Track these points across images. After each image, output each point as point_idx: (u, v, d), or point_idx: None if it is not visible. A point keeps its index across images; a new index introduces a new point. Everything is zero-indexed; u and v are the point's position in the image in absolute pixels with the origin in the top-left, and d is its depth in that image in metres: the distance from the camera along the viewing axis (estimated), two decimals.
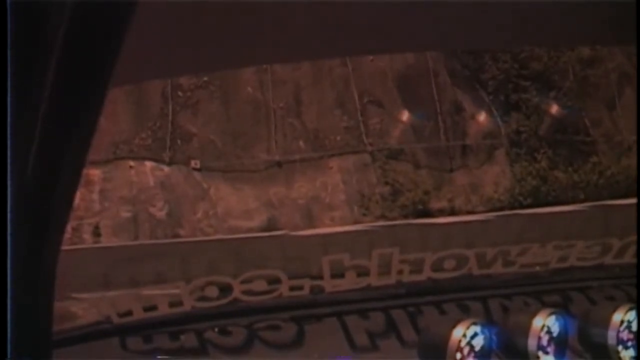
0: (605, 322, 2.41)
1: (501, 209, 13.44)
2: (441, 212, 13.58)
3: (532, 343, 2.34)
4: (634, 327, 2.53)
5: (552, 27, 1.67)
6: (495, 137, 14.92)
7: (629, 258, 2.58)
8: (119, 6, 1.00)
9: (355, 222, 12.51)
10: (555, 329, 2.47)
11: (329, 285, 2.03)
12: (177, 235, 12.01)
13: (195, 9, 1.30)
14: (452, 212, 13.69)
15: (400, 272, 2.18)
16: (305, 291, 2.02)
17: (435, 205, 13.94)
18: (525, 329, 2.30)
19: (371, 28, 1.53)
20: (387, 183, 13.66)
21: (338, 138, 13.78)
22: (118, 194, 12.25)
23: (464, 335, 2.21)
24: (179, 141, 12.89)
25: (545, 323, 2.42)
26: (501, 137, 14.91)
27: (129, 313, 1.82)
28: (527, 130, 14.90)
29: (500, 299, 2.39)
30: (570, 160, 15.02)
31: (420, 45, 2.67)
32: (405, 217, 13.07)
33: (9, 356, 1.03)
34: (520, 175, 14.63)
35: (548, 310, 2.41)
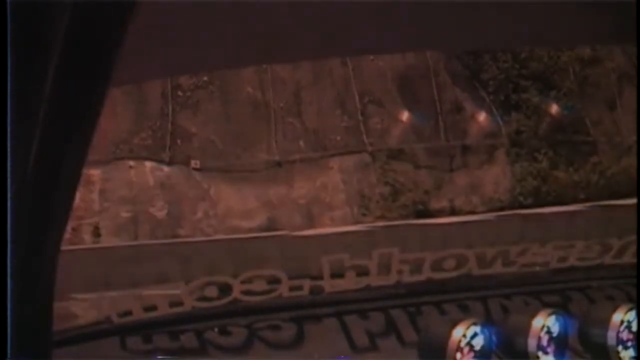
0: (605, 322, 2.41)
1: (501, 209, 13.44)
2: (441, 212, 13.59)
3: (532, 343, 2.34)
4: (634, 327, 2.53)
5: (553, 27, 1.68)
6: (495, 137, 14.93)
7: (628, 258, 2.58)
8: (119, 6, 1.00)
9: (356, 222, 12.51)
10: (555, 329, 2.47)
11: (329, 285, 2.03)
12: (177, 236, 12.02)
13: (195, 8, 1.30)
14: (453, 212, 13.70)
15: (400, 272, 2.18)
16: (305, 291, 2.02)
17: (435, 205, 13.95)
18: (525, 329, 2.30)
19: (371, 28, 1.53)
20: (387, 183, 13.67)
21: (338, 138, 13.78)
22: (118, 194, 12.25)
23: (464, 336, 2.21)
24: (178, 141, 12.89)
25: (545, 323, 2.42)
26: (501, 137, 14.91)
27: (129, 313, 1.82)
28: (528, 130, 14.91)
29: (500, 299, 2.39)
30: (571, 160, 15.01)
31: (421, 45, 2.67)
32: (406, 217, 13.08)
33: (9, 356, 1.03)
34: (520, 175, 14.63)
35: (548, 310, 2.41)
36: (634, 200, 3.89)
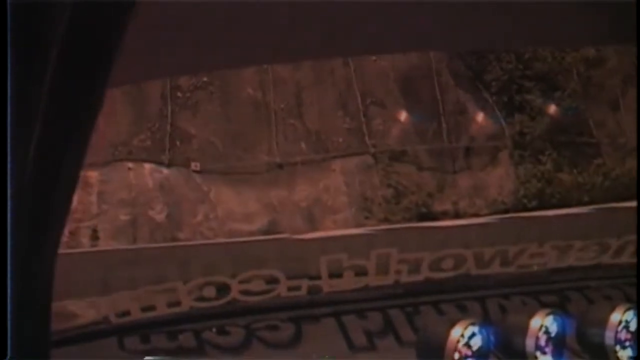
0: (603, 322, 2.41)
1: (505, 211, 13.38)
2: (445, 215, 13.54)
3: (529, 343, 2.35)
4: (632, 326, 2.53)
5: (554, 28, 1.68)
6: (499, 139, 14.87)
7: (626, 258, 2.59)
8: (119, 6, 1.01)
9: (358, 225, 12.46)
10: (553, 329, 2.48)
11: (327, 285, 2.04)
12: (176, 239, 11.97)
13: (195, 8, 1.31)
14: (456, 215, 13.64)
15: (398, 272, 2.18)
16: (303, 291, 2.03)
17: (438, 207, 13.90)
18: (523, 329, 2.30)
19: (373, 28, 1.53)
20: (390, 185, 13.62)
21: (340, 140, 13.76)
22: (116, 197, 12.21)
23: (462, 336, 2.22)
24: (178, 143, 12.86)
25: (543, 323, 2.43)
26: (505, 138, 14.85)
27: (127, 313, 1.82)
28: (531, 132, 14.84)
29: (498, 299, 2.39)
30: (575, 162, 14.95)
31: (423, 46, 2.68)
32: (409, 219, 13.01)
33: (9, 356, 1.04)
34: (524, 177, 14.56)
35: (546, 310, 2.41)
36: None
